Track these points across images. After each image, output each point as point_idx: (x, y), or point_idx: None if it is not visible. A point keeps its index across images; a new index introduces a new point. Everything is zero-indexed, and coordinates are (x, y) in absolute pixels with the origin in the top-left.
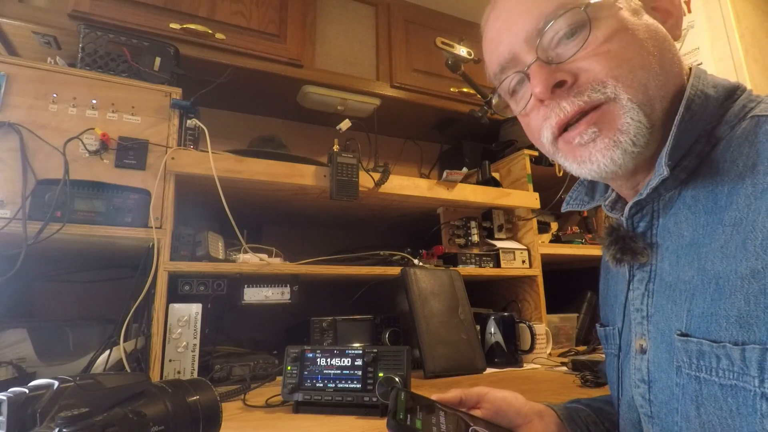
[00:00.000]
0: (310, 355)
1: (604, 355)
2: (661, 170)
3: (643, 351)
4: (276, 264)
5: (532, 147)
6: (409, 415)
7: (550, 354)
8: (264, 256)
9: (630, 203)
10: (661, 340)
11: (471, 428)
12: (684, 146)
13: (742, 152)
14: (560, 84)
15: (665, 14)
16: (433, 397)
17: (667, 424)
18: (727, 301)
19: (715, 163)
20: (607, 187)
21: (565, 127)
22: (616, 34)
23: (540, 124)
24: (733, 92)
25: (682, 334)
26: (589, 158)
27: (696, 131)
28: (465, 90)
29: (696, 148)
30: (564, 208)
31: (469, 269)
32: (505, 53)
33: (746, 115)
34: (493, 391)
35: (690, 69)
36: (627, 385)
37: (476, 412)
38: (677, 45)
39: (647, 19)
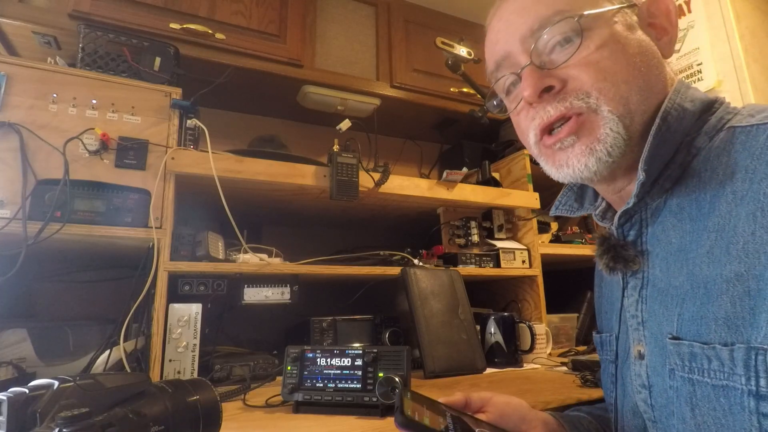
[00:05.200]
0: (310, 355)
1: None
2: (640, 175)
3: (641, 356)
4: (276, 264)
5: None
6: (416, 413)
7: (550, 354)
8: (264, 256)
9: (618, 212)
10: (656, 344)
11: (477, 430)
12: (663, 155)
13: (721, 161)
14: (549, 89)
15: (661, 31)
16: (440, 399)
17: (668, 428)
18: (715, 303)
19: (696, 173)
20: (596, 195)
21: (548, 131)
22: (607, 45)
23: (527, 125)
24: (710, 105)
25: (674, 338)
26: (566, 162)
27: (674, 142)
28: (465, 90)
29: (678, 158)
30: (552, 212)
31: (469, 269)
32: (501, 51)
33: (723, 126)
34: (497, 396)
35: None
36: (630, 392)
37: (480, 416)
38: (677, 48)
39: (641, 35)
